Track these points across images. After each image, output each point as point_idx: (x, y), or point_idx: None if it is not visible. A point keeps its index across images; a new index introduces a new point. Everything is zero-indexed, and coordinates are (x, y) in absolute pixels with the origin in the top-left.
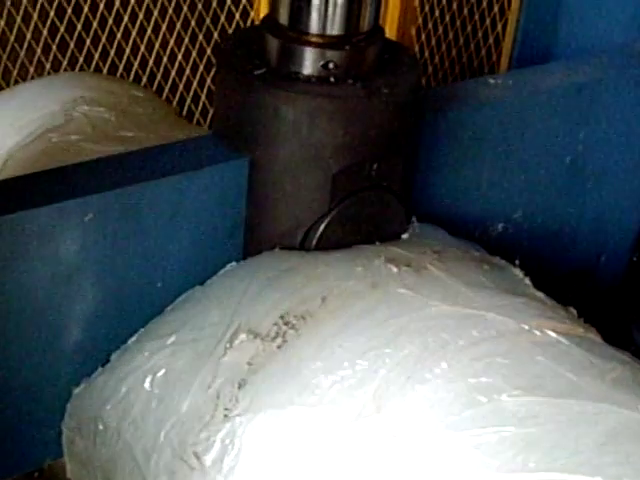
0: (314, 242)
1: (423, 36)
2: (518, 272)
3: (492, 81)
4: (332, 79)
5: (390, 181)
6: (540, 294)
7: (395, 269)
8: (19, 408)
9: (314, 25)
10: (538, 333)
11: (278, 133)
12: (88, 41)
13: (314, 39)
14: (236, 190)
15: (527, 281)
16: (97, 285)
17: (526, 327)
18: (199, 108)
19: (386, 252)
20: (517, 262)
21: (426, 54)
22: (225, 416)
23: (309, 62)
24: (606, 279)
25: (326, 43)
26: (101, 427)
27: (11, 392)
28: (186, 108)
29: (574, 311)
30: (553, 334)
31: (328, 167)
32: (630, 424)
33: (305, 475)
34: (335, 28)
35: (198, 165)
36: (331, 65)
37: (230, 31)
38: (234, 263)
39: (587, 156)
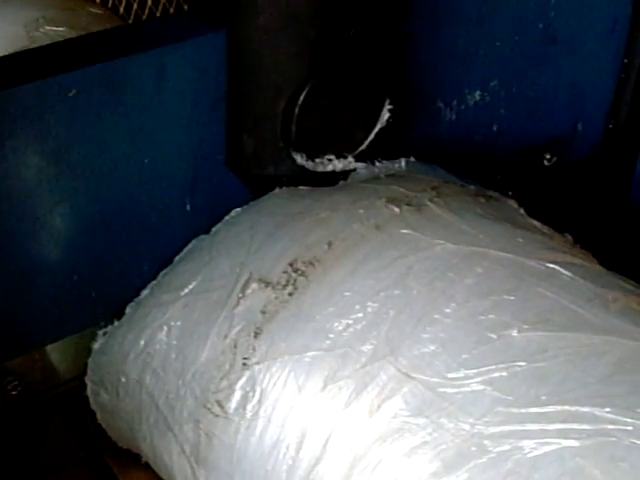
0: (296, 110)
1: None
2: (513, 203)
3: None
4: None
5: (368, 48)
6: (536, 223)
7: (397, 209)
8: (16, 293)
9: None
10: (541, 267)
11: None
12: None
13: None
14: (215, 63)
15: (522, 211)
16: (86, 162)
17: (529, 262)
18: None
19: (387, 191)
20: (510, 193)
21: None
22: (244, 364)
23: None
24: (583, 148)
25: None
26: (123, 380)
27: (9, 276)
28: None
29: (570, 237)
30: (556, 267)
31: (306, 34)
32: (636, 354)
33: (324, 418)
34: None
35: (177, 39)
36: None
37: None
38: (238, 209)
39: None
